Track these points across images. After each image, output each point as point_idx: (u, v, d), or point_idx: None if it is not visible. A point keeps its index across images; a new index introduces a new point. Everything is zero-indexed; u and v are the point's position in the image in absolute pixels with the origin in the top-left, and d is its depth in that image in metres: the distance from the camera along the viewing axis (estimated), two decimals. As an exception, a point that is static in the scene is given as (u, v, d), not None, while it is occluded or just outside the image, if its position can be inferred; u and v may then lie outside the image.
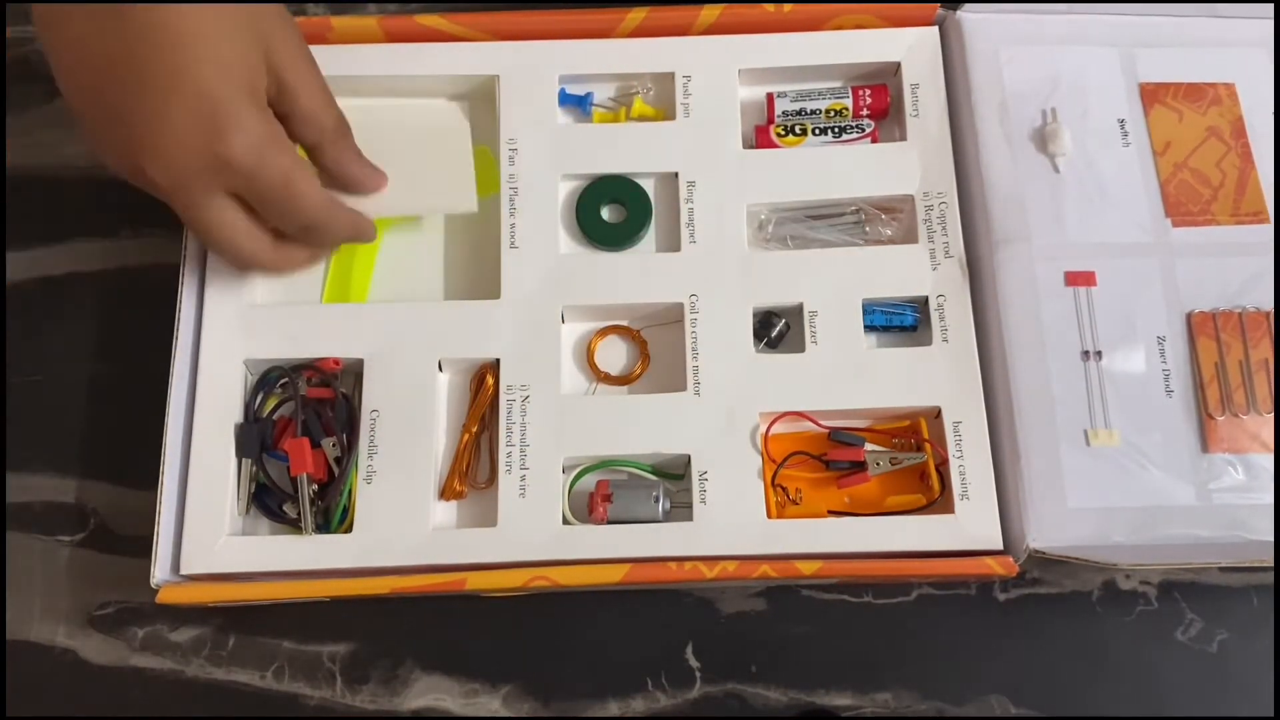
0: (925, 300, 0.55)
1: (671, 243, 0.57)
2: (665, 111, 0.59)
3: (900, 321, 0.55)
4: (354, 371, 0.54)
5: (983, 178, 0.56)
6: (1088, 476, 0.51)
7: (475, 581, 0.50)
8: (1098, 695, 0.53)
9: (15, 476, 0.57)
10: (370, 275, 0.57)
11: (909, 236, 0.56)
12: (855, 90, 0.59)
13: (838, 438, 0.53)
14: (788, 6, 0.58)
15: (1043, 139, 0.56)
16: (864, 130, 0.58)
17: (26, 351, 0.58)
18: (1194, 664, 0.53)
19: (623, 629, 0.54)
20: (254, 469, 0.53)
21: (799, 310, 0.55)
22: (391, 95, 0.59)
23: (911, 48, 0.59)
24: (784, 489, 0.53)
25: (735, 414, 0.53)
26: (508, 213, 0.56)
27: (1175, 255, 0.55)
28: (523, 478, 0.52)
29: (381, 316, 0.55)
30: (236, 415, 0.53)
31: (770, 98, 0.59)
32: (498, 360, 0.54)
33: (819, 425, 0.54)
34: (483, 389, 0.54)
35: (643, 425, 0.53)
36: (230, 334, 0.54)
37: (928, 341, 0.54)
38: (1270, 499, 0.51)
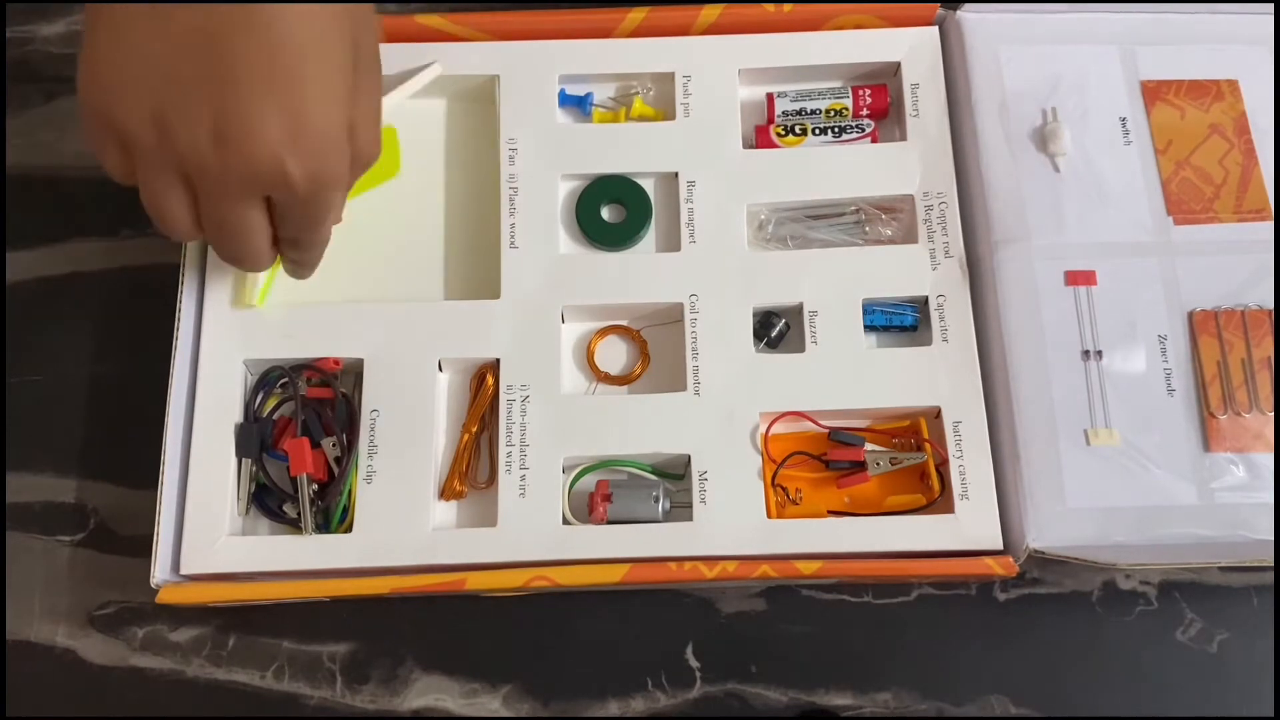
0: (925, 300, 0.55)
1: (671, 243, 0.57)
2: (665, 111, 0.59)
3: (900, 321, 0.55)
4: (354, 371, 0.54)
5: (983, 178, 0.56)
6: (1088, 476, 0.51)
7: (475, 581, 0.50)
8: (1098, 695, 0.53)
9: (15, 476, 0.57)
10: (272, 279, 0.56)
11: (909, 236, 0.56)
12: (855, 90, 0.58)
13: (838, 438, 0.53)
14: (788, 6, 0.58)
15: (1043, 138, 0.56)
16: (864, 130, 0.58)
17: (26, 351, 0.58)
18: (1194, 664, 0.53)
19: (623, 629, 0.54)
20: (254, 469, 0.53)
21: (799, 310, 0.55)
22: (391, 95, 0.59)
23: (911, 48, 0.59)
24: (784, 489, 0.53)
25: (735, 414, 0.53)
26: (508, 213, 0.56)
27: (1177, 254, 0.55)
28: (523, 478, 0.52)
29: (381, 316, 0.55)
30: (236, 415, 0.53)
31: (770, 98, 0.59)
32: (498, 360, 0.54)
33: (819, 425, 0.54)
34: (483, 389, 0.54)
35: (643, 425, 0.53)
36: (230, 334, 0.54)
37: (928, 341, 0.54)
38: (1272, 498, 0.51)
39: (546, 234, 0.56)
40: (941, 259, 0.55)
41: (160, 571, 0.50)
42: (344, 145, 0.44)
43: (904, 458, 0.53)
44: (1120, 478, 0.51)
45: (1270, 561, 0.50)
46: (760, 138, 0.58)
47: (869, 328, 0.55)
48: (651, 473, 0.54)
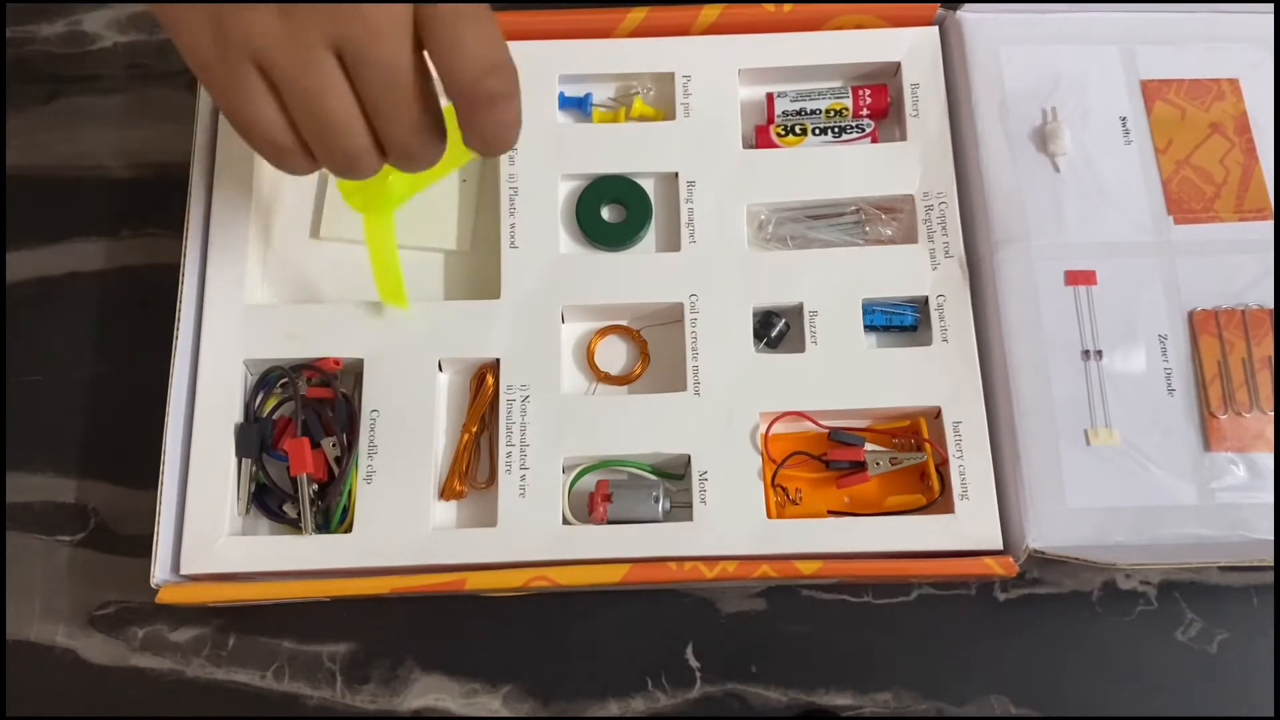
0: (925, 300, 0.55)
1: (671, 243, 0.57)
2: (665, 111, 0.59)
3: (900, 321, 0.55)
4: (354, 371, 0.54)
5: (983, 178, 0.56)
6: (1088, 476, 0.51)
7: (475, 581, 0.50)
8: (1098, 695, 0.53)
9: (15, 476, 0.57)
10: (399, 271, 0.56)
11: (909, 236, 0.56)
12: (855, 90, 0.58)
13: (838, 438, 0.53)
14: (788, 6, 0.58)
15: (1043, 138, 0.56)
16: (864, 130, 0.58)
17: (26, 351, 0.58)
18: (1194, 664, 0.53)
19: (623, 629, 0.54)
20: (254, 469, 0.53)
21: (799, 310, 0.55)
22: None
23: (911, 48, 0.59)
24: (784, 489, 0.53)
25: (735, 414, 0.53)
26: (508, 213, 0.56)
27: (1177, 253, 0.55)
28: (523, 478, 0.52)
29: (381, 316, 0.55)
30: (236, 415, 0.53)
31: (770, 98, 0.59)
32: (498, 360, 0.54)
33: (819, 425, 0.54)
34: (483, 389, 0.54)
35: (643, 425, 0.53)
36: (230, 334, 0.54)
37: (928, 341, 0.54)
38: (1272, 498, 0.51)
39: (546, 234, 0.56)
40: (941, 259, 0.55)
41: (160, 571, 0.50)
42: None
43: (904, 458, 0.53)
44: (1120, 478, 0.51)
45: (1270, 561, 0.50)
46: (760, 138, 0.58)
47: (869, 328, 0.55)
48: (651, 473, 0.54)
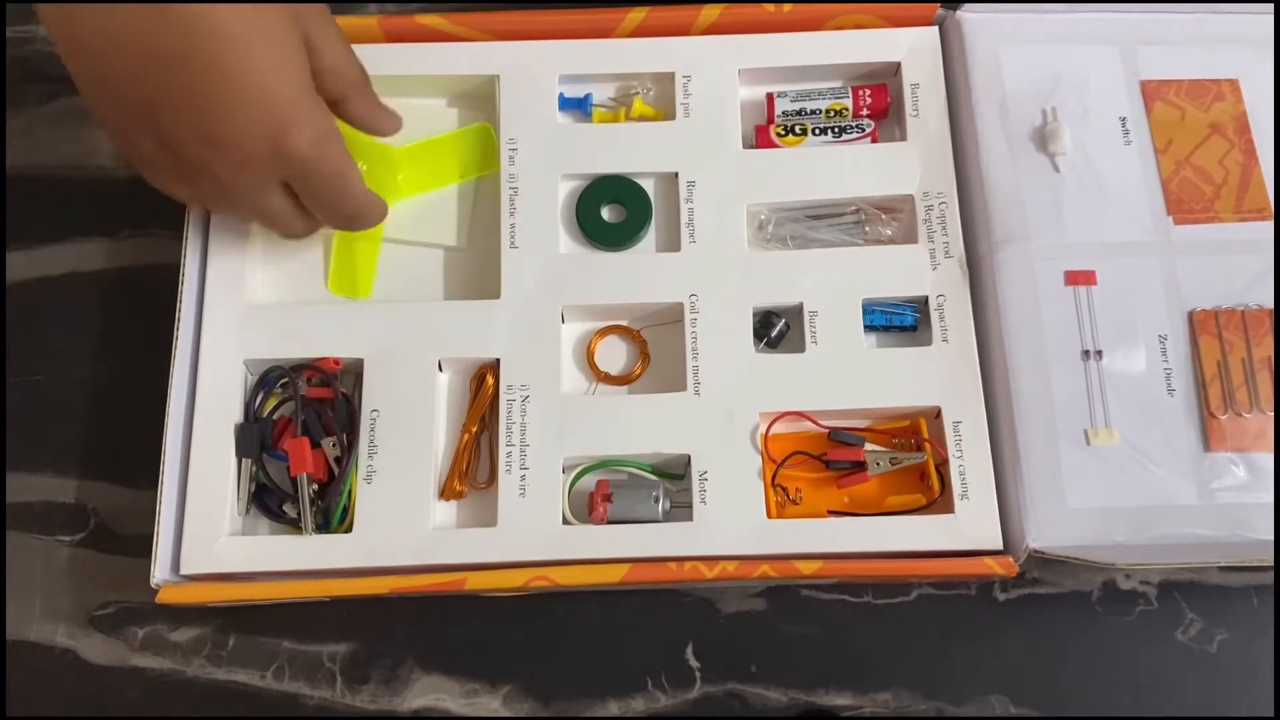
0: (925, 300, 0.55)
1: (671, 243, 0.57)
2: (665, 111, 0.59)
3: (900, 321, 0.55)
4: (354, 371, 0.54)
5: (983, 178, 0.56)
6: (1088, 476, 0.51)
7: (475, 581, 0.50)
8: (1098, 695, 0.53)
9: (15, 476, 0.57)
10: (374, 269, 0.57)
11: (909, 236, 0.56)
12: (855, 90, 0.58)
13: (838, 438, 0.53)
14: (788, 6, 0.58)
15: (1043, 138, 0.56)
16: (864, 130, 0.58)
17: (26, 351, 0.58)
18: (1194, 664, 0.53)
19: (623, 629, 0.54)
20: (254, 469, 0.53)
21: (799, 310, 0.55)
22: (392, 95, 0.59)
23: (911, 48, 0.59)
24: (784, 489, 0.53)
25: (735, 414, 0.53)
26: (508, 213, 0.56)
27: (1177, 253, 0.55)
28: (523, 478, 0.52)
29: (381, 316, 0.55)
30: (236, 415, 0.53)
31: (770, 98, 0.59)
32: (498, 360, 0.54)
33: (819, 425, 0.54)
34: (483, 389, 0.54)
35: (643, 425, 0.53)
36: (230, 334, 0.54)
37: (928, 341, 0.54)
38: (1272, 498, 0.51)
39: (547, 234, 0.56)
40: (941, 259, 0.55)
41: (160, 571, 0.50)
42: (314, 102, 0.47)
43: (904, 458, 0.53)
44: (1120, 477, 0.51)
45: (1270, 561, 0.50)
46: (760, 138, 0.58)
47: (869, 328, 0.55)
48: (651, 473, 0.54)
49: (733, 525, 0.51)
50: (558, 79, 0.59)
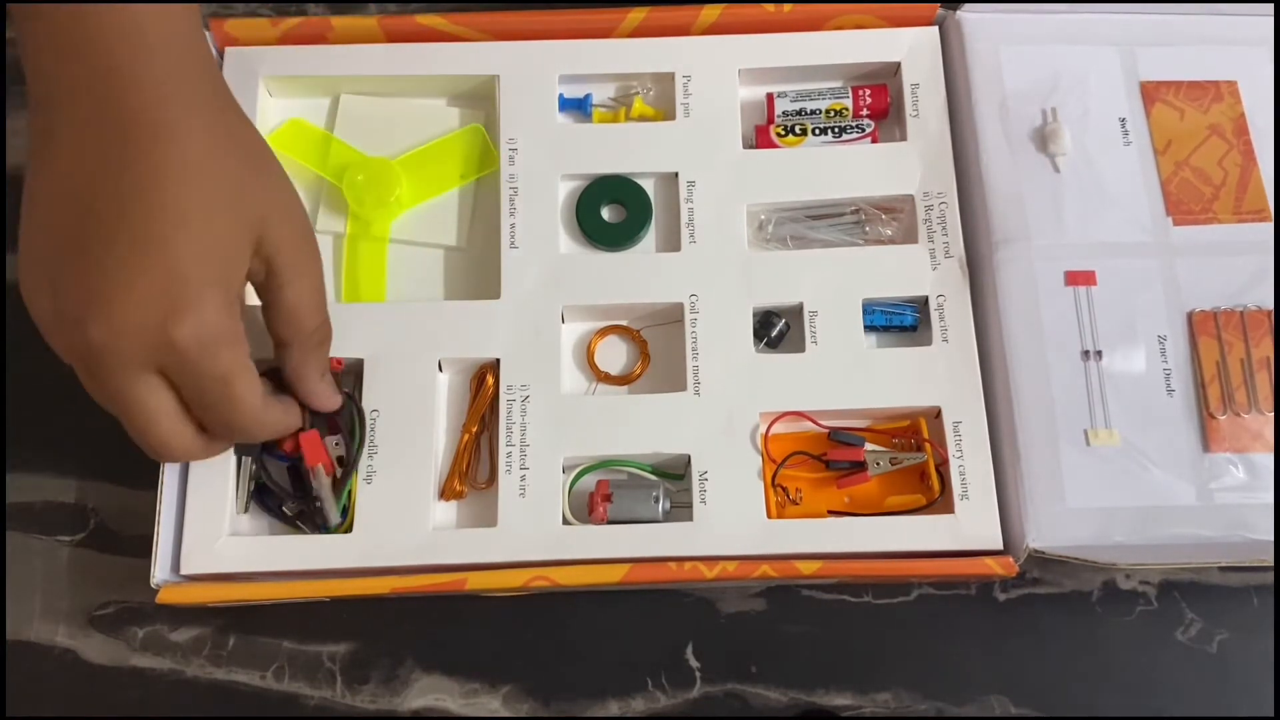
0: (925, 300, 0.55)
1: (671, 243, 0.57)
2: (665, 111, 0.59)
3: (900, 321, 0.55)
4: (354, 371, 0.54)
5: (983, 178, 0.56)
6: (1088, 476, 0.51)
7: (475, 581, 0.50)
8: (1098, 695, 0.53)
9: (15, 476, 0.57)
10: (383, 276, 0.57)
11: (909, 236, 0.56)
12: (855, 90, 0.59)
13: (838, 438, 0.53)
14: (788, 6, 0.58)
15: (1043, 138, 0.56)
16: (864, 130, 0.58)
17: (26, 351, 0.58)
18: (1194, 664, 0.53)
19: (623, 629, 0.54)
20: (254, 469, 0.53)
21: (799, 310, 0.55)
22: (392, 95, 0.59)
23: (911, 48, 0.59)
24: (784, 489, 0.53)
25: (735, 414, 0.53)
26: (508, 213, 0.56)
27: (1176, 254, 0.55)
28: (523, 478, 0.52)
29: (381, 316, 0.55)
30: (236, 415, 0.53)
31: (770, 98, 0.59)
32: (498, 360, 0.54)
33: (819, 425, 0.54)
34: (483, 389, 0.54)
35: (643, 425, 0.53)
36: (230, 334, 0.54)
37: (928, 341, 0.54)
38: (1272, 498, 0.51)
39: (547, 234, 0.56)
40: (941, 259, 0.55)
41: (160, 571, 0.50)
42: (227, 306, 0.43)
43: (904, 458, 0.53)
44: (1120, 478, 0.51)
45: (1270, 561, 0.50)
46: (760, 138, 0.58)
47: (869, 328, 0.55)
48: (651, 473, 0.54)
49: (733, 525, 0.51)
50: (558, 79, 0.59)
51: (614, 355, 0.56)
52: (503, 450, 0.52)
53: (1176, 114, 0.57)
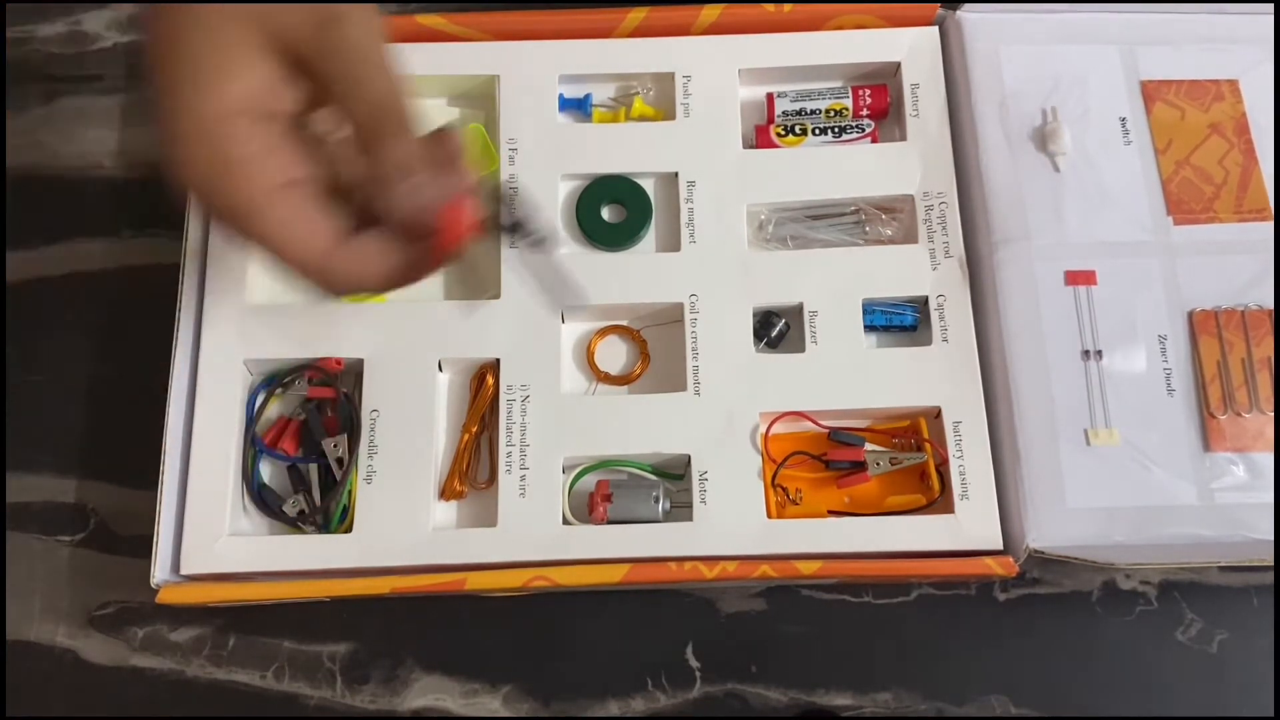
0: (925, 300, 0.55)
1: (671, 243, 0.57)
2: (665, 111, 0.59)
3: (900, 321, 0.55)
4: (354, 371, 0.54)
5: (983, 177, 0.56)
6: (1088, 476, 0.51)
7: (475, 581, 0.50)
8: (1098, 695, 0.53)
9: (15, 476, 0.57)
10: None
11: (909, 236, 0.56)
12: (855, 90, 0.58)
13: (838, 438, 0.53)
14: (788, 6, 0.58)
15: (1043, 138, 0.56)
16: (864, 130, 0.58)
17: (26, 351, 0.58)
18: (1194, 664, 0.53)
19: (623, 629, 0.54)
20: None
21: (799, 310, 0.55)
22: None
23: (911, 48, 0.59)
24: (784, 489, 0.53)
25: (735, 414, 0.53)
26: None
27: (1176, 254, 0.55)
28: (523, 478, 0.52)
29: (381, 316, 0.55)
30: (237, 415, 0.53)
31: (770, 98, 0.59)
32: (498, 360, 0.54)
33: (819, 425, 0.54)
34: (483, 389, 0.54)
35: (643, 425, 0.53)
36: (230, 334, 0.54)
37: (928, 341, 0.54)
38: (1272, 498, 0.51)
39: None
40: (941, 259, 0.55)
41: (160, 571, 0.50)
42: (219, 141, 0.38)
43: (904, 458, 0.53)
44: (1120, 478, 0.51)
45: (1270, 561, 0.50)
46: (760, 138, 0.58)
47: (869, 328, 0.55)
48: (651, 473, 0.54)
49: (733, 525, 0.51)
50: (558, 79, 0.59)
51: (614, 355, 0.56)
52: (503, 450, 0.52)
53: (1177, 113, 0.57)
